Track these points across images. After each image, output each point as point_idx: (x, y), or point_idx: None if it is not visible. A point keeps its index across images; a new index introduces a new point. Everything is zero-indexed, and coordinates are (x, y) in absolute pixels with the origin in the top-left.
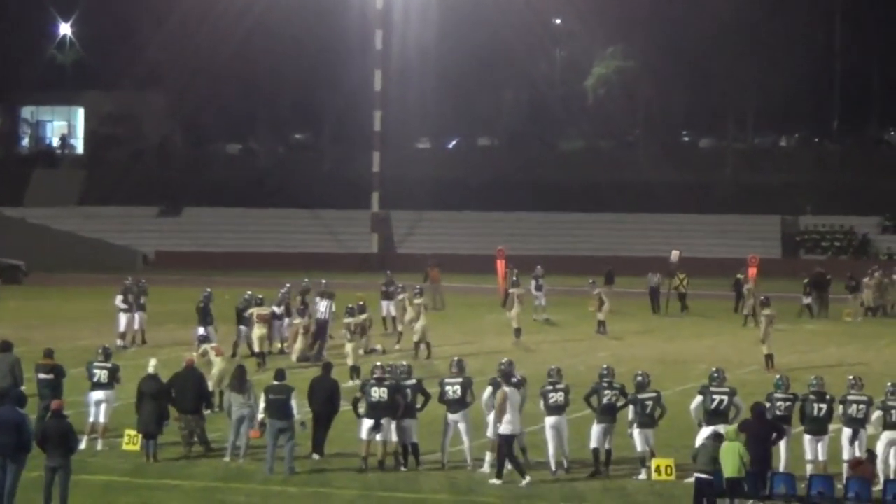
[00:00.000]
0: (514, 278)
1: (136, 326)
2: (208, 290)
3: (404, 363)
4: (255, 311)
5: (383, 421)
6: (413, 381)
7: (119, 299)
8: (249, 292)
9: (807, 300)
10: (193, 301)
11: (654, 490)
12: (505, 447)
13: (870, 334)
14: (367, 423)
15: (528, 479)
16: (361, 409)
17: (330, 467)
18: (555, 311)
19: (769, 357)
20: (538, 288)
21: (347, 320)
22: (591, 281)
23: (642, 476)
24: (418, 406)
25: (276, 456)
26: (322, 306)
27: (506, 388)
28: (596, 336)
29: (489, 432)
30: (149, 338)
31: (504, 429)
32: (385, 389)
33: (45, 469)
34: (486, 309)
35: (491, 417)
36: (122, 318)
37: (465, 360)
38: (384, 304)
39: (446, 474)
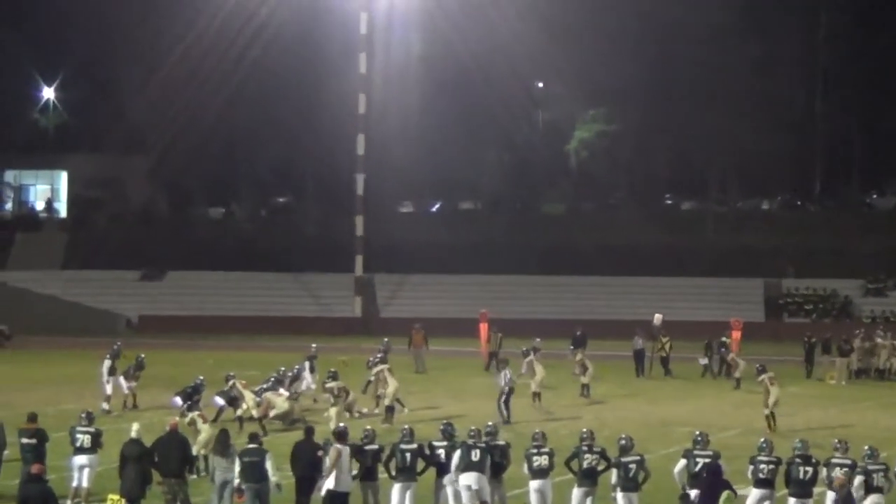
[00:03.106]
0: (499, 341)
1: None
2: (201, 377)
3: (368, 427)
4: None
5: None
6: (375, 446)
7: (107, 365)
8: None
9: (704, 360)
10: (177, 365)
11: None
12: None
13: (853, 397)
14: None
15: None
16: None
17: None
18: None
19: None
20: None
21: (330, 384)
22: (570, 347)
23: None
24: (419, 470)
25: None
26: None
27: (338, 446)
28: (579, 399)
29: (464, 498)
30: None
31: (336, 486)
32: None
33: None
34: (469, 371)
35: (459, 480)
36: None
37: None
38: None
39: None
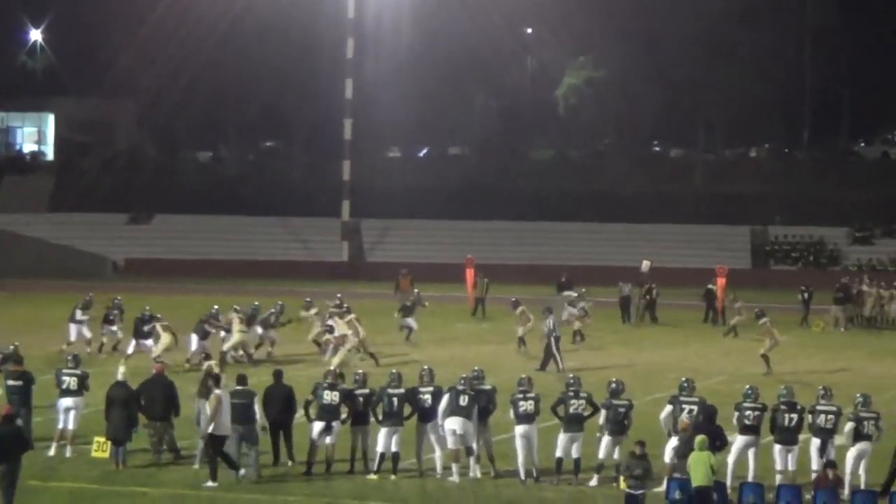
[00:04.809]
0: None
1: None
2: (215, 307)
3: (359, 371)
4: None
5: (334, 424)
6: (366, 390)
7: (78, 314)
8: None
9: None
10: (163, 309)
11: (621, 497)
12: (216, 447)
13: (842, 345)
14: (318, 426)
15: (242, 471)
16: (312, 413)
17: (295, 474)
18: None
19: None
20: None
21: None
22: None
23: (593, 483)
24: (405, 415)
25: (242, 463)
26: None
27: (218, 392)
28: (566, 346)
29: (449, 443)
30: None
31: (217, 430)
32: (337, 393)
33: None
34: (455, 317)
35: (445, 425)
36: (73, 330)
37: (434, 369)
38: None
39: (419, 482)
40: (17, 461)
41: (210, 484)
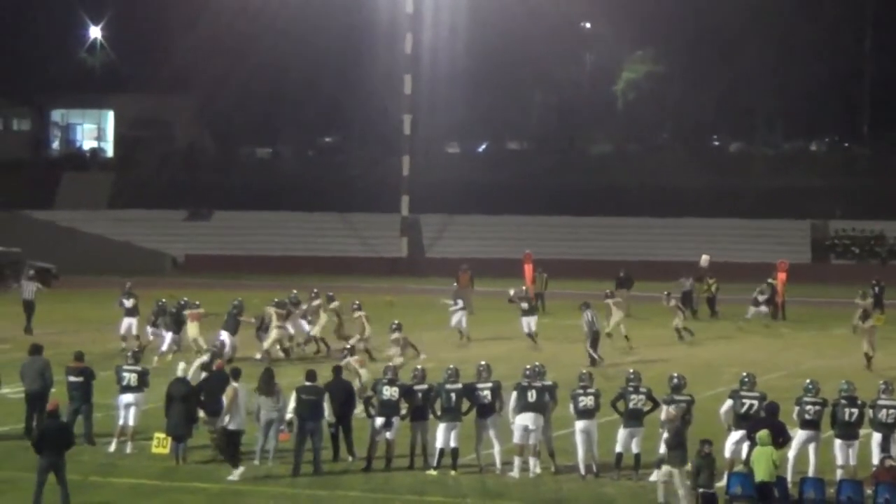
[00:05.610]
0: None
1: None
2: (239, 298)
3: (418, 367)
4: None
5: (393, 419)
6: (425, 386)
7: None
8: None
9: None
10: (222, 304)
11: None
12: (230, 441)
13: None
14: (378, 422)
15: (241, 468)
16: (372, 408)
17: (355, 469)
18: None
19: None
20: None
21: (395, 336)
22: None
23: (653, 477)
24: (463, 410)
25: (304, 459)
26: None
27: (235, 385)
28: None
29: (515, 437)
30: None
31: (233, 425)
32: (396, 389)
33: (38, 470)
34: (514, 312)
35: (516, 420)
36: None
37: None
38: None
39: (478, 477)
40: (59, 456)
41: (234, 474)
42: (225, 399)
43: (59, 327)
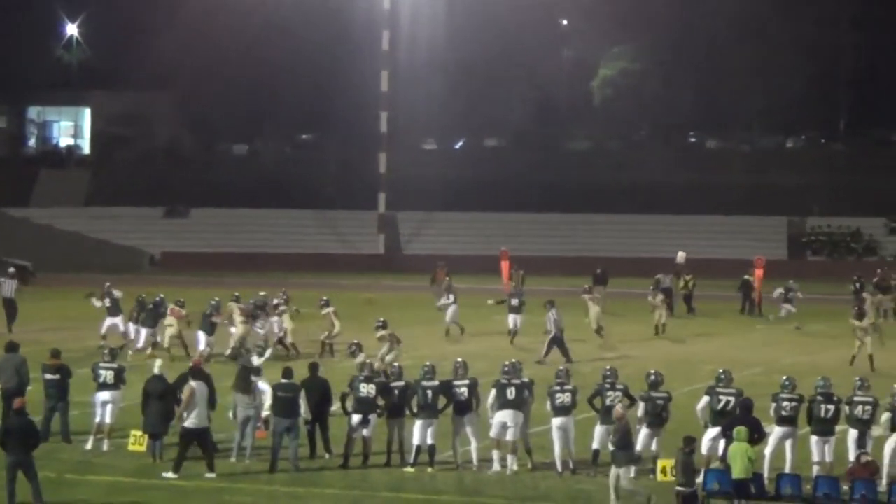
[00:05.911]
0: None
1: (142, 342)
2: (217, 299)
3: (395, 364)
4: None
5: (371, 417)
6: (402, 383)
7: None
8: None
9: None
10: (199, 303)
11: (659, 489)
12: (187, 440)
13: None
14: (355, 419)
15: (213, 473)
16: (349, 405)
17: (332, 466)
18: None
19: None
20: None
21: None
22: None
23: (630, 474)
24: (440, 407)
25: (281, 456)
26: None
27: (193, 384)
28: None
29: (492, 432)
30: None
31: (189, 423)
32: (373, 386)
33: (6, 467)
34: (491, 309)
35: (495, 417)
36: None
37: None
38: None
39: (455, 474)
40: (26, 454)
41: (169, 475)
42: (182, 397)
43: (39, 325)
